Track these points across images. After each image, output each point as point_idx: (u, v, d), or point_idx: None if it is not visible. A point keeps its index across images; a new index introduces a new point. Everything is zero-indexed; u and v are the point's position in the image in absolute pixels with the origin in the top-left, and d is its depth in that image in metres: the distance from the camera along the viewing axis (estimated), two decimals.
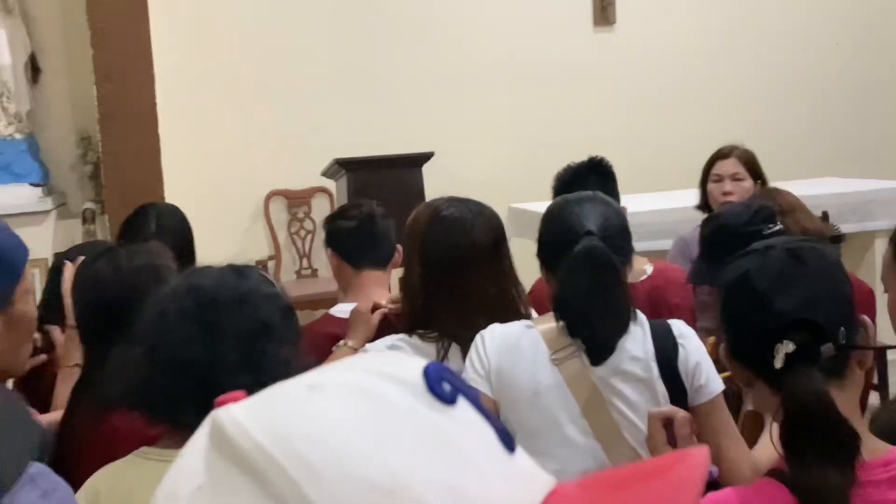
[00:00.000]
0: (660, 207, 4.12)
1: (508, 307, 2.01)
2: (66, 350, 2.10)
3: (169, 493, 0.49)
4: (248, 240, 5.37)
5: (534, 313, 2.10)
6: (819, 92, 5.93)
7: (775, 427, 1.26)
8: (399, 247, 2.44)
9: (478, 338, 1.83)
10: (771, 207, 2.48)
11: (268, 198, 5.41)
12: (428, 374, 0.49)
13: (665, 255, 3.22)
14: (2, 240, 1.47)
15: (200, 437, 0.49)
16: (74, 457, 1.67)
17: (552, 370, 1.77)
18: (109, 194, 4.57)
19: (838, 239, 2.85)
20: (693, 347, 1.81)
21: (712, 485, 1.62)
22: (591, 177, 2.67)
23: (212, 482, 0.47)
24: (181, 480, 0.48)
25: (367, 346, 2.17)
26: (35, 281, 4.78)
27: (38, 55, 5.09)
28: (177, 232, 2.72)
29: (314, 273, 5.46)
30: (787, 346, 1.24)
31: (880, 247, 4.22)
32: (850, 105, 5.97)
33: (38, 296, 4.83)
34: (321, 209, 5.39)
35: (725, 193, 3.24)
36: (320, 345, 2.19)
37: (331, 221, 2.64)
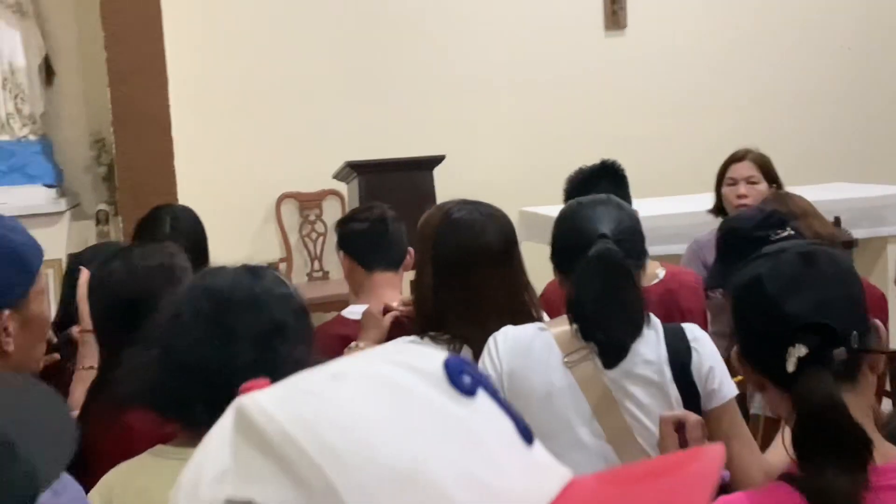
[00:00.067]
0: (671, 212, 4.11)
1: (520, 310, 2.02)
2: (81, 353, 2.12)
3: (194, 477, 0.50)
4: (259, 242, 5.39)
5: (545, 316, 2.10)
6: (831, 96, 5.92)
7: (787, 431, 1.26)
8: (410, 249, 2.45)
9: (490, 340, 1.84)
10: (782, 213, 2.48)
11: (279, 200, 5.43)
12: (448, 366, 0.50)
13: (675, 259, 3.22)
14: (17, 241, 1.49)
15: (225, 423, 0.50)
16: (89, 455, 1.68)
17: (565, 373, 1.77)
18: (123, 196, 4.60)
19: (850, 244, 2.85)
20: (707, 351, 1.81)
21: (723, 489, 1.63)
22: (603, 180, 2.67)
23: (237, 467, 0.47)
24: (206, 464, 0.49)
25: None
26: (49, 282, 4.83)
27: (52, 57, 5.13)
28: (191, 233, 2.73)
29: (325, 275, 5.47)
30: (800, 350, 1.24)
31: (892, 252, 4.22)
32: (861, 110, 5.95)
33: (52, 296, 4.87)
34: (333, 212, 5.41)
35: (740, 196, 3.23)
36: (332, 346, 2.19)
37: (342, 224, 2.65)
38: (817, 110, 5.89)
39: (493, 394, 0.51)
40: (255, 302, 1.37)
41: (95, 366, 2.02)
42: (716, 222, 3.31)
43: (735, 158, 3.34)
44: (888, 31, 6.01)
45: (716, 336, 2.03)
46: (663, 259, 2.82)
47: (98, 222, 5.05)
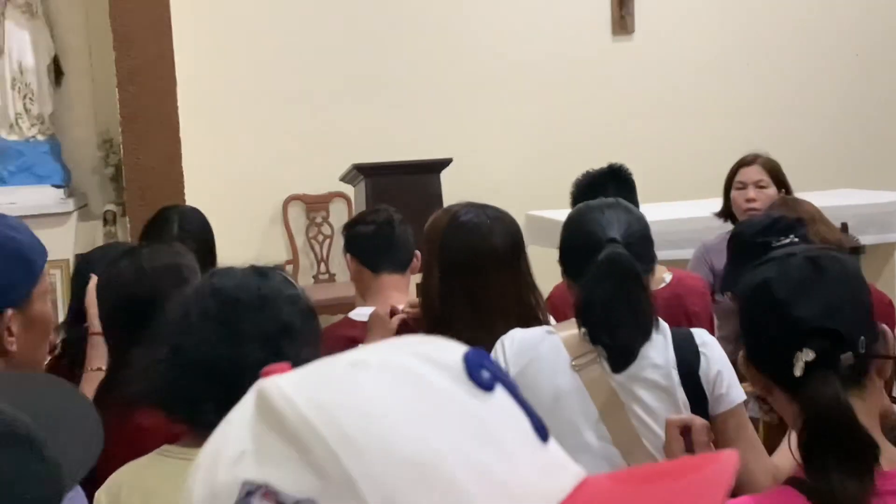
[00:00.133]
0: (678, 216, 4.11)
1: (527, 313, 2.02)
2: (89, 355, 2.12)
3: (213, 457, 0.50)
4: (266, 244, 5.40)
5: (552, 320, 2.10)
6: (839, 102, 5.91)
7: (793, 435, 1.26)
8: (417, 252, 2.45)
9: (498, 343, 1.84)
10: (790, 220, 2.47)
11: (286, 202, 5.43)
12: (468, 360, 0.50)
13: (682, 264, 3.22)
14: (21, 241, 1.49)
15: (246, 405, 0.50)
16: None
17: (572, 376, 1.77)
18: (130, 197, 4.61)
19: (858, 250, 2.84)
20: (715, 356, 1.81)
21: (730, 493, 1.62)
22: (611, 184, 2.68)
23: (255, 449, 0.48)
24: (226, 445, 0.50)
25: None
26: (56, 281, 4.84)
27: (61, 58, 5.15)
28: (198, 235, 2.74)
29: (332, 278, 5.48)
30: (807, 355, 1.24)
31: None
32: (870, 116, 5.95)
33: (59, 296, 4.87)
34: (339, 214, 5.42)
35: (749, 200, 3.22)
36: (339, 348, 2.17)
37: (350, 227, 2.66)
38: (825, 116, 5.88)
39: (511, 389, 0.51)
40: (263, 302, 1.38)
41: (104, 368, 2.03)
42: (723, 227, 3.31)
43: (744, 162, 3.34)
44: (895, 38, 6.01)
45: (722, 340, 2.03)
46: (670, 263, 2.82)
47: (105, 223, 5.06)
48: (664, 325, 1.83)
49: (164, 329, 1.39)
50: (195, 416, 1.32)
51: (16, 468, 0.73)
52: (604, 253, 1.75)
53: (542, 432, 0.50)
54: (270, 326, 1.36)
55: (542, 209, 4.43)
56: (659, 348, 1.79)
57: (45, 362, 2.43)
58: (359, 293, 2.60)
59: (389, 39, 5.41)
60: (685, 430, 1.63)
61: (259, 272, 1.44)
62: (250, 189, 5.28)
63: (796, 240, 2.32)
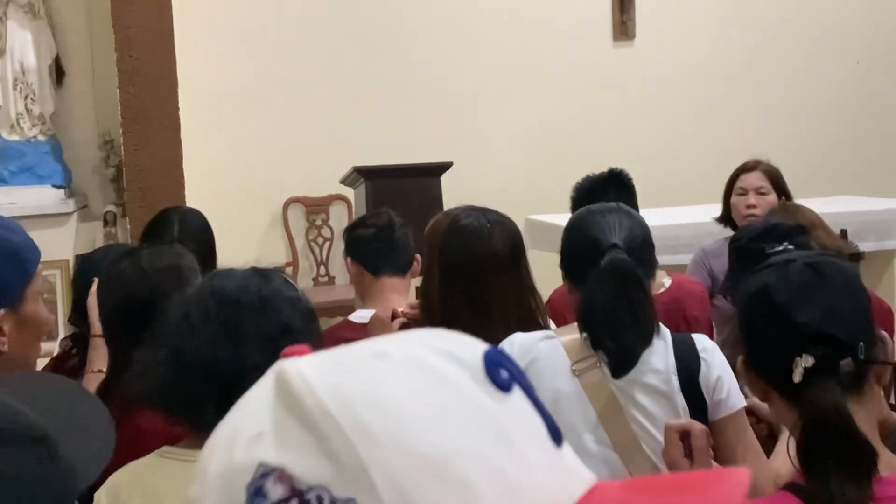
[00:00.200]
0: (677, 222, 4.12)
1: (527, 317, 2.02)
2: (90, 357, 2.13)
3: (230, 434, 0.50)
4: (265, 246, 5.40)
5: (552, 324, 2.11)
6: (840, 110, 5.92)
7: (791, 441, 1.26)
8: (418, 256, 2.45)
9: (499, 347, 1.84)
10: (787, 227, 2.46)
11: (286, 204, 5.44)
12: (487, 359, 0.51)
13: (681, 270, 3.22)
14: (14, 241, 1.50)
15: (266, 385, 0.50)
16: None
17: (572, 380, 1.78)
18: (131, 197, 4.61)
19: (857, 257, 2.84)
20: (716, 362, 1.81)
21: None
22: (611, 189, 2.68)
23: (273, 431, 0.48)
24: (244, 423, 0.50)
25: None
26: (56, 282, 4.84)
27: (62, 58, 5.15)
28: (199, 236, 2.74)
29: (331, 280, 5.48)
30: (807, 360, 1.25)
31: None
32: (870, 123, 5.95)
33: (59, 295, 4.86)
34: (339, 217, 5.42)
35: (749, 207, 3.22)
36: None
37: (350, 231, 2.67)
38: (826, 123, 5.89)
39: (528, 391, 0.51)
40: (264, 304, 1.38)
41: (104, 370, 2.03)
42: (723, 232, 3.31)
43: (745, 169, 3.33)
44: None
45: (720, 345, 2.03)
46: (669, 268, 2.83)
47: (105, 223, 5.07)
48: (665, 330, 1.83)
49: (165, 330, 1.39)
50: (195, 417, 1.32)
51: (31, 468, 0.73)
52: (606, 259, 1.75)
53: (556, 436, 0.50)
54: (271, 327, 1.36)
55: (542, 213, 4.43)
56: (659, 353, 1.79)
57: (42, 362, 2.45)
58: (359, 296, 2.60)
59: (391, 42, 5.42)
60: (684, 435, 1.63)
61: (260, 274, 1.45)
62: (251, 191, 5.29)
63: (791, 247, 2.32)
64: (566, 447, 0.51)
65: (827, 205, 3.92)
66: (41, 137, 5.04)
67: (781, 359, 1.27)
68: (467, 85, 5.48)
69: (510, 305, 2.02)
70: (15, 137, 5.00)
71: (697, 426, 1.65)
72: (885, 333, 1.35)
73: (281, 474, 0.47)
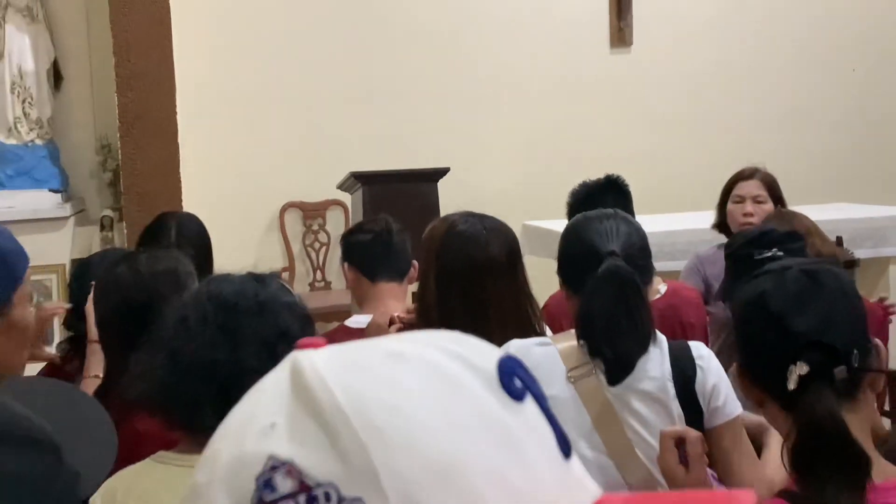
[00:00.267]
0: (673, 228, 4.12)
1: (524, 323, 2.02)
2: (88, 362, 2.13)
3: (243, 420, 0.50)
4: (262, 251, 5.40)
5: (548, 330, 2.11)
6: (835, 117, 5.93)
7: (776, 445, 1.27)
8: (415, 262, 2.46)
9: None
10: (778, 233, 2.47)
11: (283, 209, 5.44)
12: (502, 367, 0.50)
13: (675, 276, 3.22)
14: (3, 246, 1.49)
15: (281, 376, 0.50)
16: None
17: (567, 386, 1.78)
18: (128, 202, 4.61)
19: (852, 264, 2.85)
20: (712, 369, 1.81)
21: None
22: (608, 195, 2.69)
23: (286, 424, 0.48)
24: (258, 412, 0.50)
25: None
26: (53, 286, 4.84)
27: (60, 62, 5.15)
28: (196, 241, 2.73)
29: (328, 285, 5.48)
30: (802, 368, 1.25)
31: (895, 273, 4.23)
32: (866, 130, 5.97)
33: (55, 299, 4.84)
34: (336, 222, 5.43)
35: (746, 215, 3.19)
36: None
37: (347, 236, 2.67)
38: (821, 130, 5.91)
39: (541, 401, 0.51)
40: (261, 308, 1.38)
41: (101, 375, 2.03)
42: (717, 238, 3.32)
43: (743, 176, 3.31)
44: (892, 52, 6.03)
45: (716, 351, 2.03)
46: (665, 275, 2.83)
47: (102, 228, 5.06)
48: (661, 337, 1.84)
49: (162, 334, 1.39)
50: (193, 420, 1.32)
51: (36, 472, 0.74)
52: (604, 266, 1.75)
53: (565, 448, 0.50)
54: (268, 332, 1.37)
55: (538, 219, 4.44)
56: (655, 360, 1.79)
57: (40, 366, 2.44)
58: (356, 301, 2.60)
59: (388, 48, 5.43)
60: (679, 442, 1.64)
61: (257, 279, 1.45)
62: (247, 196, 5.29)
63: (780, 253, 2.32)
64: (574, 459, 0.51)
65: (823, 212, 3.93)
66: (39, 141, 5.03)
67: (776, 365, 1.27)
68: (464, 91, 5.49)
69: (507, 311, 2.02)
70: (12, 141, 5.00)
71: (693, 433, 1.65)
72: (878, 341, 1.35)
73: (291, 468, 0.46)
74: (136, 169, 4.56)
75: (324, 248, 5.49)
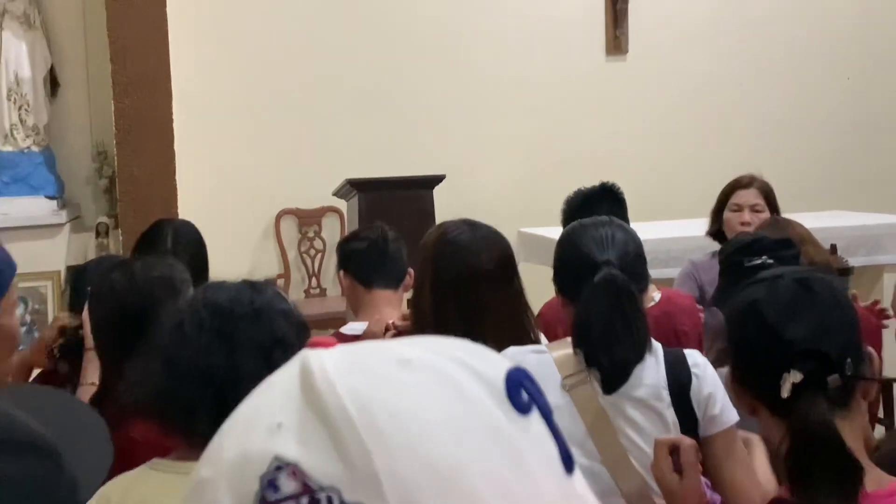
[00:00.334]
0: (666, 236, 4.13)
1: (518, 330, 2.03)
2: (84, 370, 2.13)
3: (250, 416, 0.50)
4: (258, 257, 5.40)
5: (543, 337, 2.11)
6: (830, 125, 5.95)
7: (762, 452, 1.27)
8: (411, 270, 2.46)
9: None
10: (769, 241, 2.47)
11: (279, 216, 5.44)
12: (509, 378, 0.50)
13: (669, 283, 3.23)
14: None
15: (291, 375, 0.50)
16: None
17: (562, 394, 1.78)
18: (123, 209, 4.61)
19: (846, 272, 2.86)
20: (707, 377, 1.82)
21: None
22: (603, 202, 2.69)
23: (293, 425, 0.48)
24: (265, 410, 0.50)
25: None
26: (48, 292, 4.83)
27: (57, 69, 5.16)
28: (192, 248, 2.73)
29: (323, 292, 5.48)
30: (795, 376, 1.26)
31: (889, 281, 4.23)
32: (860, 139, 5.99)
33: (50, 306, 4.83)
34: (332, 229, 5.43)
35: (743, 224, 3.18)
36: None
37: (343, 244, 2.68)
38: (816, 138, 5.93)
39: (547, 414, 0.51)
40: (257, 315, 1.39)
41: (96, 382, 2.03)
42: (711, 245, 3.32)
43: (741, 185, 3.29)
44: (888, 61, 6.05)
45: (711, 360, 2.04)
46: (659, 282, 2.84)
47: (98, 235, 5.06)
48: (656, 344, 1.84)
49: (158, 340, 1.39)
50: (189, 426, 1.32)
51: (36, 477, 0.74)
52: (599, 275, 1.76)
53: (568, 463, 0.50)
54: (264, 338, 1.37)
55: (534, 226, 4.44)
56: (650, 368, 1.79)
57: (29, 375, 2.44)
58: (351, 308, 2.61)
59: (384, 55, 5.44)
60: (674, 450, 1.64)
61: (252, 286, 1.45)
62: (243, 203, 5.29)
63: (770, 261, 2.32)
64: (577, 475, 0.51)
65: (818, 219, 3.94)
66: (35, 148, 5.03)
67: (770, 373, 1.28)
68: (461, 98, 5.50)
69: (502, 319, 2.02)
70: (8, 148, 5.00)
71: (687, 441, 1.65)
72: (871, 349, 1.36)
73: (295, 470, 0.47)
74: (132, 176, 4.56)
75: (319, 255, 5.49)
